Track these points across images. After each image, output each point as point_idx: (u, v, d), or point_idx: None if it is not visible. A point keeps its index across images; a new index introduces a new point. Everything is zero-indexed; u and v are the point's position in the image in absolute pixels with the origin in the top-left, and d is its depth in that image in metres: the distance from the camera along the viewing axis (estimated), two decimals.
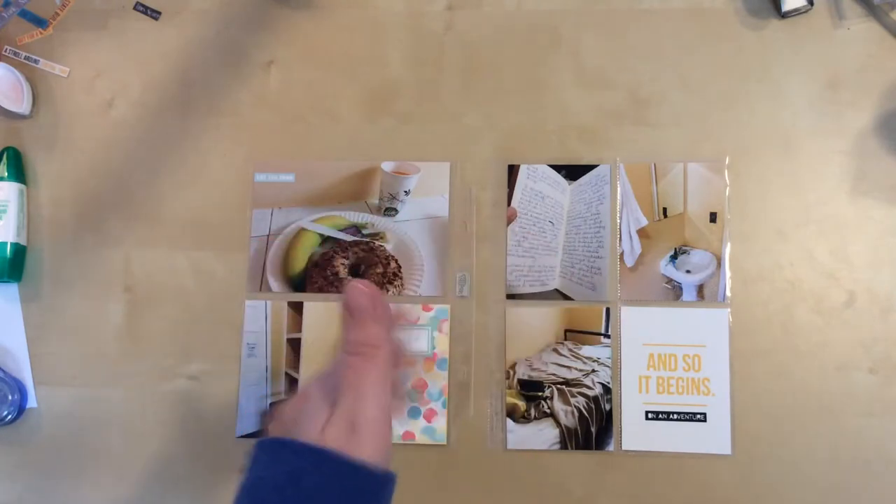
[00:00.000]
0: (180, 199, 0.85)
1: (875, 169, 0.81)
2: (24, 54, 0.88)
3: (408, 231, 0.83)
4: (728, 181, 0.81)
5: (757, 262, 0.80)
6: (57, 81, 0.88)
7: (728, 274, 0.80)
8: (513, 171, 0.83)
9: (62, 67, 0.88)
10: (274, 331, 0.81)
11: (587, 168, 0.82)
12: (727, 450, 0.77)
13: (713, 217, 0.81)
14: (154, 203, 0.85)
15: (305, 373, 0.80)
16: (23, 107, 0.85)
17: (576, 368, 0.79)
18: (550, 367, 0.80)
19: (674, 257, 0.81)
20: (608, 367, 0.79)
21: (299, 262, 0.83)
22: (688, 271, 0.80)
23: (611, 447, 0.78)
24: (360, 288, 0.34)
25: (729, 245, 0.80)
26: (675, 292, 0.80)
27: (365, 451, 0.32)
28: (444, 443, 0.79)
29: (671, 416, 0.78)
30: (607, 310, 0.80)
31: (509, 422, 0.79)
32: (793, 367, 0.78)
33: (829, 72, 0.82)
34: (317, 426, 0.32)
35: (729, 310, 0.79)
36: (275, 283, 0.83)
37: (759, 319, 0.79)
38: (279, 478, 0.32)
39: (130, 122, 0.87)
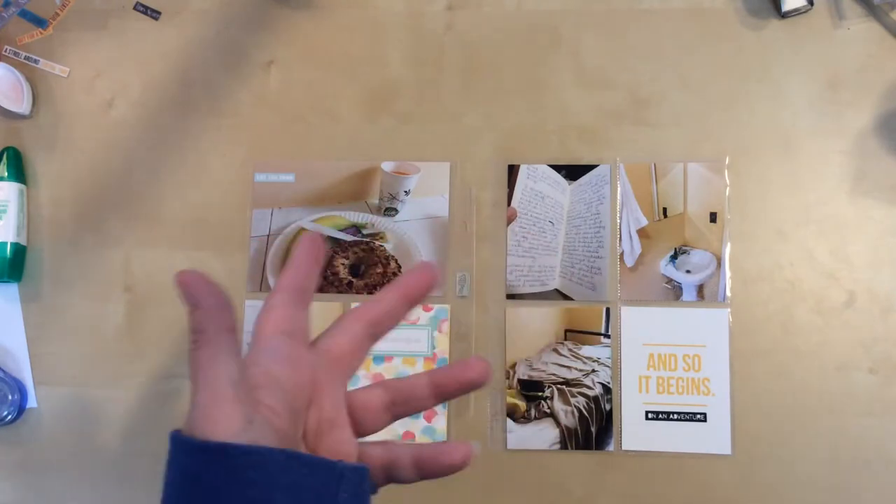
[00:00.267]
0: (180, 199, 0.85)
1: (875, 169, 0.81)
2: (24, 54, 0.88)
3: (408, 231, 0.83)
4: (728, 181, 0.81)
5: (757, 262, 0.80)
6: (57, 81, 0.88)
7: (728, 274, 0.80)
8: (513, 171, 0.83)
9: (62, 67, 0.88)
10: None
11: (587, 168, 0.82)
12: (727, 450, 0.77)
13: (713, 217, 0.81)
14: (154, 203, 0.85)
15: None
16: (23, 107, 0.85)
17: (576, 368, 0.79)
18: (550, 367, 0.80)
19: (674, 257, 0.81)
20: (608, 367, 0.79)
21: None
22: (688, 271, 0.80)
23: (611, 447, 0.78)
24: (176, 279, 0.34)
25: (729, 245, 0.80)
26: (675, 292, 0.80)
27: (195, 431, 0.31)
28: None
29: (671, 416, 0.78)
30: (607, 310, 0.80)
31: (509, 422, 0.79)
32: (793, 367, 0.78)
33: (829, 72, 0.82)
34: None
35: (729, 310, 0.79)
36: (274, 283, 0.82)
37: (759, 319, 0.79)
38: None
39: (130, 122, 0.87)
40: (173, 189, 0.85)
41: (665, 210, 0.82)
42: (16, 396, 0.81)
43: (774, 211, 0.81)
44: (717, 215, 0.81)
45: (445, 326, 0.81)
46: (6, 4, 0.88)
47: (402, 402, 0.39)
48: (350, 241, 0.83)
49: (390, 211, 0.84)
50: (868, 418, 0.77)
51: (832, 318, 0.79)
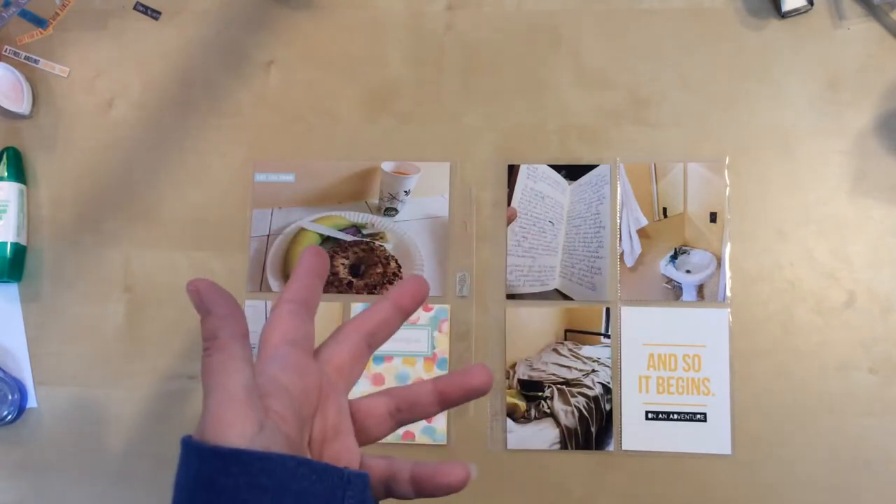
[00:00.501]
0: (180, 199, 0.85)
1: (875, 169, 0.81)
2: (24, 54, 0.88)
3: (408, 231, 0.83)
4: (728, 181, 0.81)
5: (757, 262, 0.80)
6: (57, 81, 0.88)
7: (728, 274, 0.80)
8: (513, 171, 0.83)
9: (62, 67, 0.88)
10: None
11: (587, 168, 0.83)
12: (727, 450, 0.77)
13: (713, 217, 0.81)
14: (154, 203, 0.85)
15: None
16: (23, 107, 0.85)
17: (576, 368, 0.79)
18: (550, 367, 0.80)
19: (674, 257, 0.81)
20: (608, 367, 0.79)
21: None
22: (688, 271, 0.80)
23: (611, 447, 0.78)
24: (188, 287, 0.34)
25: (729, 245, 0.80)
26: (675, 292, 0.80)
27: (207, 436, 0.32)
28: (444, 443, 0.79)
29: (671, 416, 0.78)
30: (607, 310, 0.80)
31: (509, 422, 0.79)
32: (793, 367, 0.78)
33: (829, 72, 0.82)
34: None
35: (729, 310, 0.79)
36: (275, 283, 0.83)
37: (759, 319, 0.79)
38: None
39: (130, 122, 0.87)
40: (173, 189, 0.85)
41: (665, 210, 0.82)
42: (16, 396, 0.81)
43: (774, 211, 0.81)
44: (717, 215, 0.81)
45: (445, 326, 0.81)
46: (6, 4, 0.88)
47: (406, 409, 0.39)
48: (350, 241, 0.83)
49: (390, 211, 0.84)
50: (868, 418, 0.77)
51: (832, 318, 0.79)
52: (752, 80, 0.83)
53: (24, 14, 0.89)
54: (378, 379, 0.80)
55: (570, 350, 0.80)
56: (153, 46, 0.88)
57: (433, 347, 0.81)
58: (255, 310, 0.82)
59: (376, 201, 0.84)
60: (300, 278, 0.39)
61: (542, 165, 0.83)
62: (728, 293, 0.79)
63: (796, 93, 0.82)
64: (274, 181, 0.85)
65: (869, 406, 0.77)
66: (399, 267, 0.82)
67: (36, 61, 0.88)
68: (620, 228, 0.81)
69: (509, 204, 0.83)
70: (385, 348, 0.81)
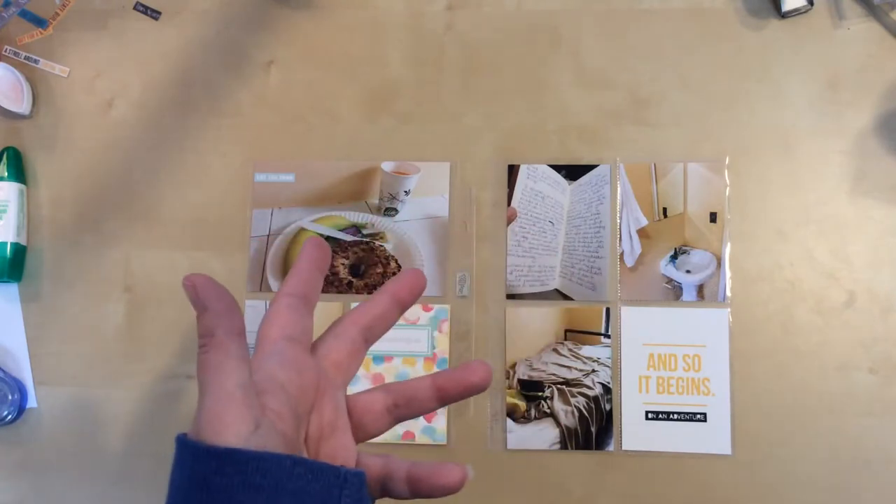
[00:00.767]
0: (180, 199, 0.85)
1: (875, 169, 0.81)
2: (24, 54, 0.88)
3: (408, 231, 0.83)
4: (728, 181, 0.81)
5: (757, 262, 0.80)
6: (57, 81, 0.88)
7: (728, 274, 0.80)
8: (513, 171, 0.83)
9: (62, 67, 0.88)
10: None
11: (587, 168, 0.83)
12: (727, 450, 0.77)
13: (713, 217, 0.81)
14: (154, 203, 0.85)
15: None
16: (23, 107, 0.85)
17: (576, 368, 0.79)
18: (550, 367, 0.80)
19: (674, 257, 0.81)
20: (608, 367, 0.79)
21: None
22: (688, 271, 0.80)
23: (611, 447, 0.78)
24: (184, 282, 0.34)
25: (729, 245, 0.80)
26: (675, 292, 0.80)
27: (202, 434, 0.32)
28: (444, 443, 0.79)
29: (671, 416, 0.78)
30: (607, 310, 0.80)
31: (509, 422, 0.79)
32: (793, 367, 0.78)
33: (829, 72, 0.82)
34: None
35: (729, 310, 0.79)
36: (275, 283, 0.83)
37: (759, 319, 0.79)
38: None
39: (130, 122, 0.87)
40: (173, 189, 0.85)
41: (665, 210, 0.82)
42: (16, 396, 0.81)
43: (774, 211, 0.81)
44: (717, 215, 0.81)
45: (445, 326, 0.81)
46: (6, 4, 0.88)
47: (404, 405, 0.39)
48: (350, 241, 0.83)
49: (390, 211, 0.84)
50: (868, 418, 0.77)
51: (832, 318, 0.79)
52: (752, 80, 0.83)
53: (24, 14, 0.89)
54: (378, 379, 0.80)
55: (570, 350, 0.80)
56: (153, 46, 0.88)
57: (433, 347, 0.81)
58: (254, 310, 0.82)
59: (376, 201, 0.84)
60: (300, 272, 0.39)
61: (542, 165, 0.83)
62: (728, 293, 0.79)
63: (796, 93, 0.82)
64: (274, 181, 0.85)
65: (869, 406, 0.77)
66: (399, 267, 0.82)
67: (36, 61, 0.88)
68: (620, 228, 0.81)
69: (509, 204, 0.83)
70: (385, 348, 0.81)
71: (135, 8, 0.88)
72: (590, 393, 0.79)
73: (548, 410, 0.79)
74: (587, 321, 0.80)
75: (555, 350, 0.80)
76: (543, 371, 0.80)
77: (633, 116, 0.83)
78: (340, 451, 0.37)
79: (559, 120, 0.83)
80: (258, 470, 0.31)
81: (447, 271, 0.82)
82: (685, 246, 0.81)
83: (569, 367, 0.80)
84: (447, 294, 0.81)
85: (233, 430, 0.31)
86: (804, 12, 0.82)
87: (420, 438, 0.79)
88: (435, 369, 0.80)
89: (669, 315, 0.80)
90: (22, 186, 0.85)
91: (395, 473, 0.38)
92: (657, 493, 0.77)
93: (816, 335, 0.79)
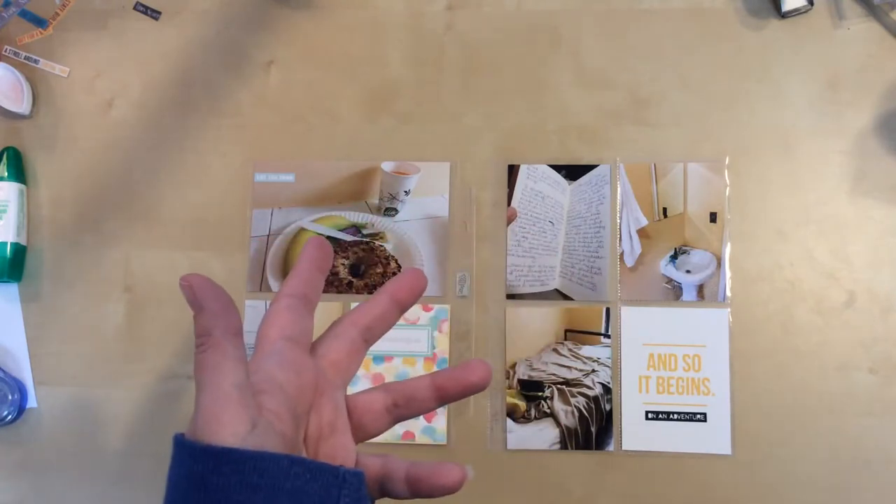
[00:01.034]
0: (180, 199, 0.85)
1: (875, 169, 0.81)
2: (24, 54, 0.88)
3: (408, 231, 0.83)
4: (728, 181, 0.81)
5: (757, 262, 0.80)
6: (57, 81, 0.88)
7: (728, 274, 0.80)
8: (513, 171, 0.83)
9: (62, 67, 0.88)
10: None
11: (587, 168, 0.83)
12: (727, 450, 0.77)
13: (713, 217, 0.81)
14: (154, 203, 0.85)
15: None
16: (23, 107, 0.85)
17: (576, 368, 0.79)
18: (550, 367, 0.80)
19: (674, 257, 0.81)
20: (608, 367, 0.79)
21: None
22: (688, 271, 0.80)
23: (611, 447, 0.78)
24: (181, 282, 0.34)
25: (729, 245, 0.80)
26: (675, 292, 0.80)
27: (199, 434, 0.32)
28: (444, 443, 0.79)
29: (671, 416, 0.78)
30: (607, 310, 0.80)
31: (509, 422, 0.79)
32: (793, 367, 0.78)
33: (829, 72, 0.82)
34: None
35: (729, 310, 0.79)
36: (275, 283, 0.83)
37: (759, 319, 0.79)
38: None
39: (130, 122, 0.87)
40: (173, 189, 0.85)
41: (665, 210, 0.82)
42: (16, 396, 0.81)
43: (774, 211, 0.81)
44: (717, 215, 0.81)
45: (445, 326, 0.81)
46: (6, 4, 0.88)
47: (404, 405, 0.39)
48: (350, 241, 0.83)
49: (390, 211, 0.84)
50: (868, 418, 0.77)
51: (832, 318, 0.79)
52: (752, 80, 0.83)
53: (24, 14, 0.89)
54: (378, 378, 0.80)
55: (570, 350, 0.80)
56: (153, 46, 0.88)
57: (433, 347, 0.81)
58: (254, 310, 0.82)
59: (376, 201, 0.84)
60: (301, 272, 0.39)
61: (542, 165, 0.83)
62: (728, 293, 0.79)
63: (796, 93, 0.82)
64: (274, 181, 0.85)
65: (869, 406, 0.77)
66: (399, 267, 0.82)
67: (36, 61, 0.88)
68: (620, 228, 0.81)
69: (509, 204, 0.83)
70: (385, 348, 0.81)
71: (135, 8, 0.88)
72: (590, 393, 0.79)
73: (548, 410, 0.79)
74: (587, 321, 0.80)
75: (555, 350, 0.80)
76: (543, 371, 0.80)
77: (633, 116, 0.83)
78: (340, 450, 0.37)
79: (559, 120, 0.83)
80: (255, 469, 0.31)
81: (447, 271, 0.82)
82: (685, 246, 0.81)
83: (569, 367, 0.80)
84: (447, 294, 0.81)
85: (230, 429, 0.31)
86: (804, 12, 0.82)
87: (420, 438, 0.79)
88: (435, 369, 0.80)
89: (669, 315, 0.80)
90: (22, 186, 0.85)
91: (395, 473, 0.38)
92: (657, 493, 0.77)
93: (816, 335, 0.79)
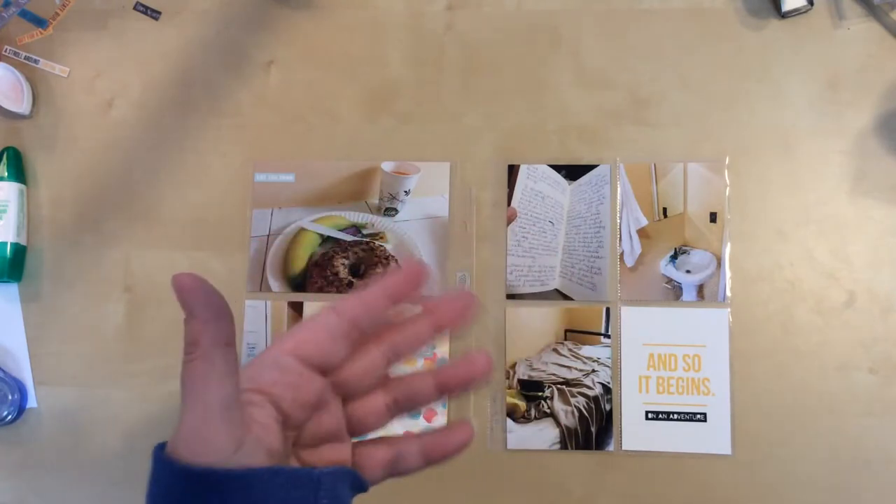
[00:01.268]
0: (180, 199, 0.85)
1: (875, 169, 0.81)
2: (24, 54, 0.88)
3: (408, 231, 0.83)
4: (728, 181, 0.81)
5: (757, 262, 0.80)
6: (57, 81, 0.88)
7: (728, 274, 0.80)
8: (513, 171, 0.83)
9: (62, 67, 0.88)
10: (274, 331, 0.81)
11: (587, 168, 0.82)
12: (727, 450, 0.77)
13: (713, 217, 0.81)
14: (154, 203, 0.85)
15: None
16: (23, 107, 0.85)
17: (576, 368, 0.79)
18: (550, 367, 0.80)
19: (674, 257, 0.81)
20: (608, 367, 0.79)
21: (299, 262, 0.83)
22: (688, 271, 0.80)
23: (611, 447, 0.78)
24: (173, 281, 0.31)
25: (729, 245, 0.80)
26: (675, 292, 0.80)
27: (182, 451, 0.31)
28: None
29: (671, 416, 0.78)
30: (607, 310, 0.80)
31: (509, 422, 0.79)
32: (793, 367, 0.78)
33: (829, 72, 0.82)
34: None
35: (729, 310, 0.79)
36: (275, 283, 0.83)
37: (759, 319, 0.79)
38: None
39: (130, 122, 0.87)
40: (173, 189, 0.85)
41: (665, 210, 0.82)
42: (16, 396, 0.81)
43: (774, 211, 0.81)
44: (717, 215, 0.81)
45: None
46: (6, 4, 0.88)
47: (405, 401, 0.38)
48: (350, 241, 0.83)
49: (390, 211, 0.84)
50: (868, 418, 0.77)
51: (832, 318, 0.79)
52: (752, 80, 0.83)
53: (24, 14, 0.89)
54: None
55: (570, 350, 0.80)
56: (153, 46, 0.88)
57: (433, 347, 0.81)
58: (255, 310, 0.82)
59: (376, 201, 0.84)
60: (368, 295, 0.36)
61: (542, 165, 0.83)
62: (728, 293, 0.79)
63: (796, 93, 0.82)
64: (274, 181, 0.85)
65: (869, 406, 0.77)
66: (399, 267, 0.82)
67: (36, 61, 0.88)
68: (620, 228, 0.81)
69: (509, 204, 0.83)
70: None
71: (135, 8, 0.88)
72: (590, 393, 0.79)
73: (548, 410, 0.79)
74: (587, 321, 0.80)
75: (555, 350, 0.80)
76: (543, 371, 0.80)
77: (633, 116, 0.83)
78: (335, 455, 0.37)
79: (559, 120, 0.83)
80: (237, 488, 0.30)
81: (447, 271, 0.82)
82: (685, 246, 0.81)
83: (569, 367, 0.80)
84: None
85: (212, 449, 0.30)
86: (804, 12, 0.82)
87: None
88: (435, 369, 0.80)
89: (669, 315, 0.80)
90: (22, 186, 0.85)
91: (407, 451, 0.37)
92: (657, 493, 0.77)
93: (816, 335, 0.79)
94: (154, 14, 0.88)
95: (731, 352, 0.79)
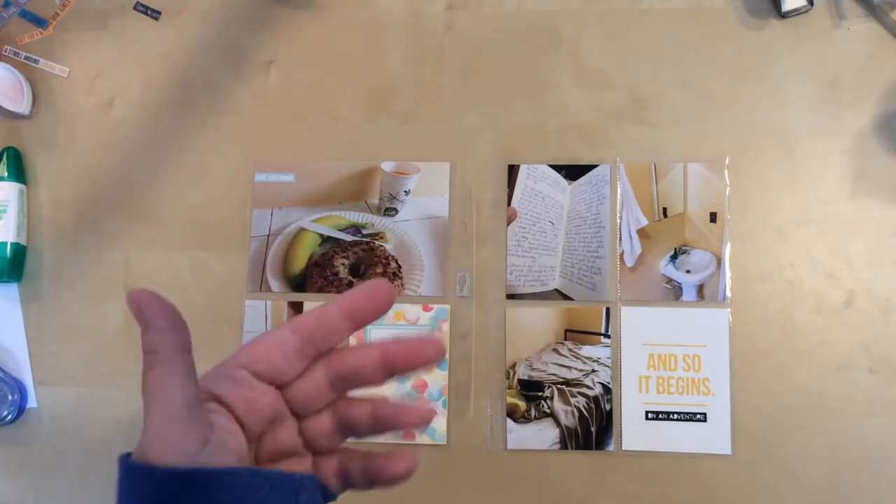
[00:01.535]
0: (180, 199, 0.85)
1: (875, 169, 0.81)
2: (24, 54, 0.88)
3: (408, 231, 0.83)
4: (728, 181, 0.81)
5: (757, 262, 0.80)
6: (57, 81, 0.88)
7: (728, 274, 0.80)
8: (513, 171, 0.83)
9: (62, 67, 0.88)
10: None
11: (587, 168, 0.82)
12: (727, 450, 0.77)
13: (713, 217, 0.81)
14: (154, 203, 0.85)
15: None
16: (23, 107, 0.85)
17: (576, 368, 0.79)
18: (550, 367, 0.80)
19: (674, 257, 0.81)
20: (608, 367, 0.79)
21: (299, 262, 0.83)
22: (688, 271, 0.80)
23: (611, 447, 0.78)
24: (127, 298, 0.33)
25: (729, 245, 0.80)
26: (675, 292, 0.80)
27: (147, 455, 0.31)
28: (444, 443, 0.79)
29: (671, 416, 0.78)
30: (607, 310, 0.80)
31: (509, 422, 0.79)
32: (793, 367, 0.78)
33: (829, 72, 0.82)
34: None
35: (729, 310, 0.79)
36: (275, 283, 0.83)
37: (759, 319, 0.79)
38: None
39: (130, 122, 0.87)
40: (173, 189, 0.85)
41: (665, 210, 0.82)
42: (16, 396, 0.81)
43: (774, 211, 0.81)
44: (717, 215, 0.81)
45: (445, 326, 0.81)
46: (6, 4, 0.88)
47: (349, 379, 0.37)
48: (350, 241, 0.83)
49: (390, 211, 0.84)
50: (868, 418, 0.77)
51: (832, 318, 0.79)
52: (752, 80, 0.83)
53: (24, 14, 0.89)
54: None
55: (570, 350, 0.80)
56: (153, 46, 0.88)
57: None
58: (254, 310, 0.82)
59: (376, 201, 0.84)
60: (325, 314, 0.36)
61: (542, 165, 0.83)
62: (728, 293, 0.79)
63: (796, 93, 0.82)
64: (274, 181, 0.85)
65: (869, 406, 0.77)
66: (399, 267, 0.82)
67: (36, 61, 0.88)
68: (620, 228, 0.81)
69: (509, 204, 0.83)
70: None
71: (135, 8, 0.88)
72: (590, 393, 0.79)
73: (548, 410, 0.79)
74: (587, 321, 0.80)
75: (555, 350, 0.80)
76: (543, 371, 0.80)
77: (633, 116, 0.83)
78: (294, 466, 0.37)
79: (559, 120, 0.83)
80: (220, 487, 0.31)
81: (447, 271, 0.82)
82: (685, 246, 0.81)
83: (569, 367, 0.80)
84: (447, 294, 0.81)
85: (177, 449, 0.31)
86: (804, 12, 0.82)
87: (420, 439, 0.79)
88: (435, 369, 0.80)
89: (669, 315, 0.80)
90: (22, 186, 0.85)
91: (351, 467, 0.37)
92: (657, 493, 0.77)
93: (816, 335, 0.79)
94: (154, 14, 0.88)
95: (731, 352, 0.79)
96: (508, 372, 0.80)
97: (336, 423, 0.37)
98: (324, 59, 0.86)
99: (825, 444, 0.77)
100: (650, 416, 0.78)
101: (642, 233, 0.81)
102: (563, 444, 0.78)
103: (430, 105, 0.85)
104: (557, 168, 0.83)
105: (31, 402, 0.83)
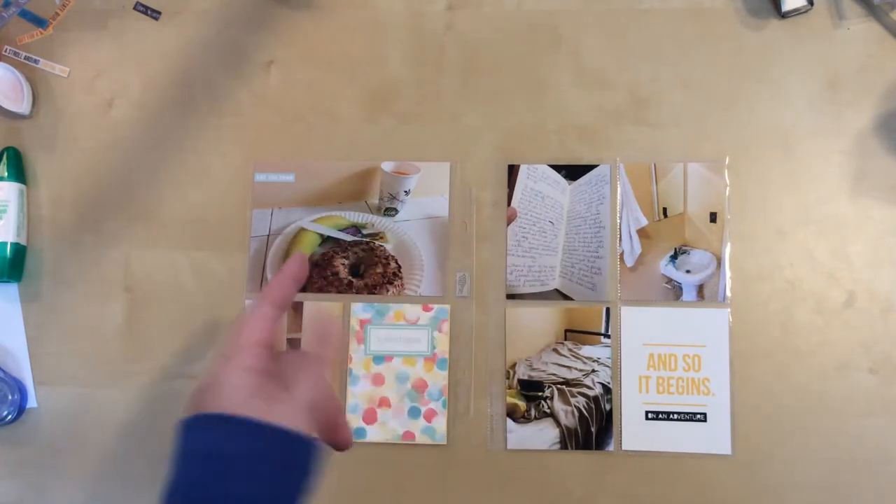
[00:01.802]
0: (180, 199, 0.85)
1: (875, 169, 0.81)
2: (24, 54, 0.88)
3: (408, 231, 0.83)
4: (728, 181, 0.81)
5: (757, 262, 0.80)
6: (57, 81, 0.88)
7: (728, 274, 0.80)
8: (513, 171, 0.83)
9: (62, 67, 0.88)
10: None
11: (587, 168, 0.83)
12: (727, 450, 0.77)
13: (713, 217, 0.81)
14: (154, 203, 0.85)
15: None
16: (23, 107, 0.85)
17: (576, 368, 0.79)
18: (550, 367, 0.80)
19: (674, 257, 0.81)
20: (608, 367, 0.79)
21: None
22: (688, 271, 0.80)
23: (611, 447, 0.78)
24: (318, 325, 0.47)
25: (729, 245, 0.80)
26: (675, 292, 0.80)
27: (290, 421, 0.42)
28: (444, 443, 0.79)
29: (671, 416, 0.78)
30: (607, 310, 0.80)
31: (509, 422, 0.79)
32: (793, 367, 0.78)
33: (829, 72, 0.82)
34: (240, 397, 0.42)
35: (729, 310, 0.79)
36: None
37: (759, 319, 0.79)
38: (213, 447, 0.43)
39: (130, 122, 0.87)
40: (173, 189, 0.85)
41: (665, 210, 0.82)
42: (16, 396, 0.81)
43: (774, 211, 0.81)
44: (717, 215, 0.81)
45: (445, 326, 0.81)
46: (6, 4, 0.88)
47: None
48: (350, 241, 0.83)
49: (390, 211, 0.84)
50: (868, 418, 0.77)
51: (832, 318, 0.79)
52: (752, 80, 0.83)
53: (24, 14, 0.89)
54: (378, 379, 0.80)
55: (570, 350, 0.80)
56: (153, 46, 0.88)
57: (433, 347, 0.81)
58: None
59: (376, 201, 0.84)
60: (279, 282, 0.48)
61: (542, 165, 0.83)
62: (728, 293, 0.79)
63: (796, 93, 0.82)
64: (274, 181, 0.85)
65: (869, 406, 0.77)
66: (399, 267, 0.82)
67: (36, 61, 0.88)
68: (620, 228, 0.81)
69: (509, 204, 0.83)
70: (385, 348, 0.81)
71: (135, 8, 0.88)
72: (590, 393, 0.79)
73: (548, 410, 0.79)
74: (587, 321, 0.80)
75: (555, 350, 0.80)
76: (543, 371, 0.80)
77: (633, 116, 0.83)
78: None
79: (559, 120, 0.83)
80: (245, 432, 0.41)
81: (447, 271, 0.82)
82: (685, 246, 0.81)
83: (569, 367, 0.80)
84: (447, 294, 0.81)
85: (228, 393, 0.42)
86: (804, 12, 0.82)
87: (420, 438, 0.79)
88: (435, 369, 0.80)
89: (669, 315, 0.80)
90: (22, 186, 0.85)
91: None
92: (657, 493, 0.77)
93: (816, 335, 0.79)
94: (154, 14, 0.88)
95: (731, 352, 0.79)
96: (508, 372, 0.80)
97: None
98: (324, 59, 0.86)
99: (825, 444, 0.77)
100: (650, 416, 0.78)
101: (642, 233, 0.81)
102: (563, 444, 0.78)
103: (430, 105, 0.85)
104: (557, 168, 0.83)
105: (31, 402, 0.83)
